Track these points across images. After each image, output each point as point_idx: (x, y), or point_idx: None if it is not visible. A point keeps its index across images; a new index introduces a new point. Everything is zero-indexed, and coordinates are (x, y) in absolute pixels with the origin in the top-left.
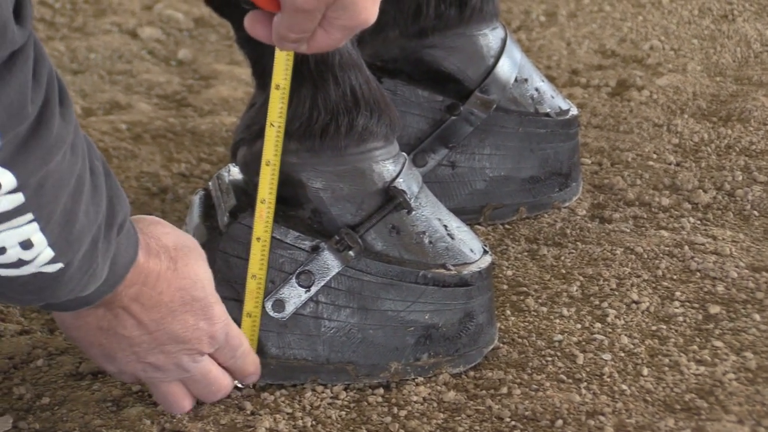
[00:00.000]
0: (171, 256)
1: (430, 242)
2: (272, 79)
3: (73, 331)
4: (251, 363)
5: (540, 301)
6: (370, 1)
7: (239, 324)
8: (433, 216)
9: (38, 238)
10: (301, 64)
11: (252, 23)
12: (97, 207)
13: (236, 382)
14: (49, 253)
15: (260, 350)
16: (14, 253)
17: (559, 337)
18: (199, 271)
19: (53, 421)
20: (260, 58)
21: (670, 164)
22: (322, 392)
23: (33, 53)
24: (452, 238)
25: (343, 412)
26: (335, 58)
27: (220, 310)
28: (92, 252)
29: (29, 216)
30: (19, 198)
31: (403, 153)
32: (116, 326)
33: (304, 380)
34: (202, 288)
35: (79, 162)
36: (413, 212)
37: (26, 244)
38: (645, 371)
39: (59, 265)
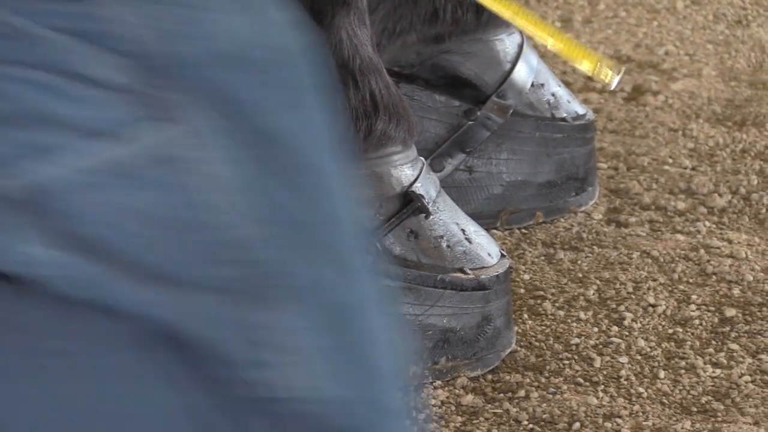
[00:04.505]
0: None
1: (448, 246)
2: None
3: None
4: None
5: (557, 304)
6: None
7: None
8: (451, 220)
9: None
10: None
11: None
12: None
13: None
14: None
15: None
16: None
17: (576, 340)
18: None
19: None
20: None
21: (685, 168)
22: None
23: None
24: (470, 243)
25: None
26: (356, 62)
27: None
28: None
29: None
30: None
31: (421, 158)
32: None
33: None
34: None
35: None
36: (431, 216)
37: None
38: (662, 374)
39: None
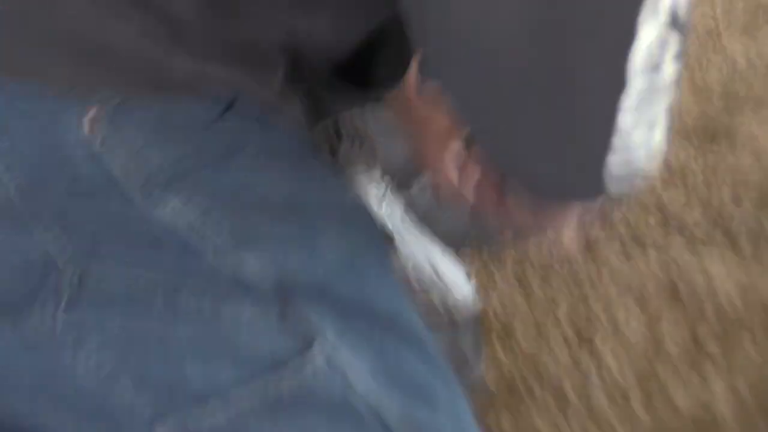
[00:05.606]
0: None
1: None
2: None
3: None
4: None
5: (527, 323)
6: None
7: None
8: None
9: None
10: None
11: None
12: None
13: None
14: None
15: None
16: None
17: (547, 359)
18: None
19: None
20: None
21: (656, 184)
22: None
23: None
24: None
25: None
26: None
27: None
28: None
29: None
30: None
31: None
32: None
33: None
34: None
35: None
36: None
37: None
38: (634, 396)
39: None
